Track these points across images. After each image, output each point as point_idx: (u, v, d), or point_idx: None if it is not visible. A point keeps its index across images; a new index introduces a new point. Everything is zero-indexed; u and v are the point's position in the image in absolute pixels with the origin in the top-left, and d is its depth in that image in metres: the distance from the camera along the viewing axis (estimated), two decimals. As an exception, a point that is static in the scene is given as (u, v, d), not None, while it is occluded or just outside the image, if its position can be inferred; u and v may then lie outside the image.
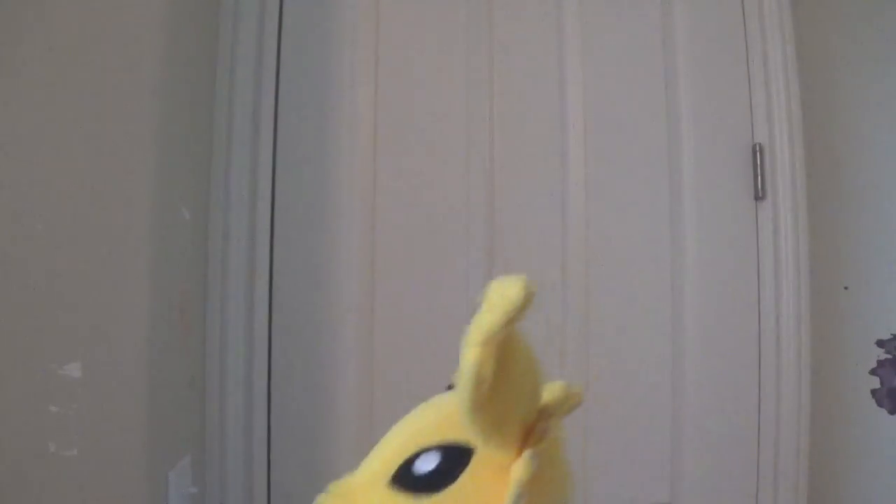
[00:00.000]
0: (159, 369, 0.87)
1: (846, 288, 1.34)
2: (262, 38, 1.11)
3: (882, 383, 1.31)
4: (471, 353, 0.32)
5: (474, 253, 1.17)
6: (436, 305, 1.15)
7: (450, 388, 0.37)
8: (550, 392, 0.39)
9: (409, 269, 1.14)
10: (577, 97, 1.24)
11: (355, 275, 1.10)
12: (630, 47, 1.28)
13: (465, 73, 1.19)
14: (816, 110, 1.34)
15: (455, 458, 0.34)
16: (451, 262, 1.16)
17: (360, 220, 1.11)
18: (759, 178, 1.27)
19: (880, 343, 1.30)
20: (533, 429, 0.35)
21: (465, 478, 0.34)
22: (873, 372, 1.32)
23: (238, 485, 1.06)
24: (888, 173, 1.34)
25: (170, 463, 0.91)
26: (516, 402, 0.34)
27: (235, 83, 1.10)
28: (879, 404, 1.28)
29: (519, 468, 0.33)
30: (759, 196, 1.27)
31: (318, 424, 1.08)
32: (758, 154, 1.27)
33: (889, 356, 1.29)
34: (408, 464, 0.36)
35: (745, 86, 1.30)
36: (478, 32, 1.20)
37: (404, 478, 0.36)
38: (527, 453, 0.34)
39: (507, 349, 0.32)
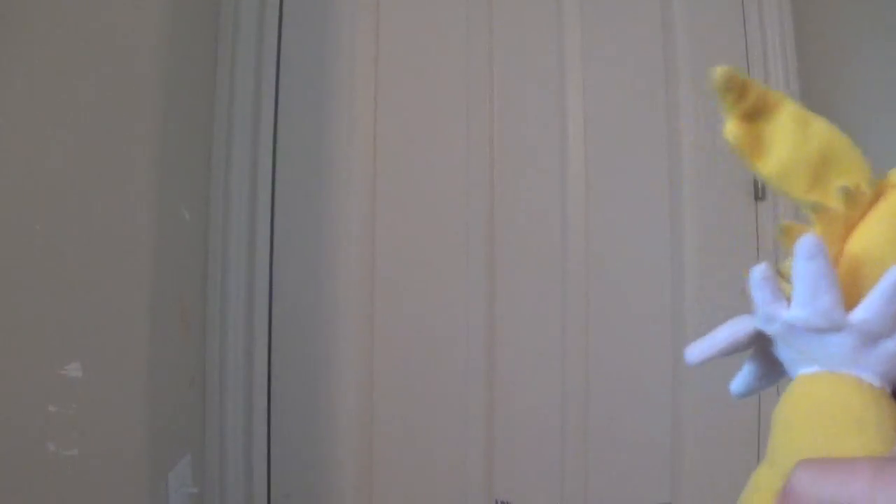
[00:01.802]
0: (159, 369, 0.87)
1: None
2: (261, 38, 1.11)
3: (882, 383, 1.30)
4: None
5: (474, 252, 1.17)
6: (436, 304, 1.15)
7: None
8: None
9: (409, 269, 1.14)
10: (577, 97, 1.23)
11: (355, 275, 1.10)
12: (630, 47, 1.28)
13: (465, 73, 1.19)
14: (816, 110, 1.34)
15: None
16: (451, 262, 1.16)
17: (360, 220, 1.11)
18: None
19: (880, 343, 1.30)
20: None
21: None
22: (873, 372, 1.32)
23: (238, 485, 1.06)
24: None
25: (170, 463, 0.91)
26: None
27: (235, 83, 1.10)
28: (879, 404, 1.28)
29: None
30: (759, 196, 1.27)
31: (318, 425, 1.08)
32: (758, 154, 1.27)
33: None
34: None
35: (745, 86, 1.30)
36: (478, 32, 1.20)
37: None
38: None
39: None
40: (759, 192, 1.27)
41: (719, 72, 0.35)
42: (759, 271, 0.34)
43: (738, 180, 1.27)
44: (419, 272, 1.15)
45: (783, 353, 0.34)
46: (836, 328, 0.32)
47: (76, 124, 0.68)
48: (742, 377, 0.38)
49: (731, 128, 0.36)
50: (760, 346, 0.36)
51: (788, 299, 0.34)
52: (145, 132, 0.84)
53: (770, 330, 0.34)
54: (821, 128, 0.37)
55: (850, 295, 0.32)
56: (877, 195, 0.36)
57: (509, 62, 1.22)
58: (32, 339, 0.61)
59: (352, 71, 1.12)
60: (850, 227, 0.35)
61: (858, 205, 0.35)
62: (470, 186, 1.17)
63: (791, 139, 0.36)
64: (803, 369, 0.34)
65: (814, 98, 1.35)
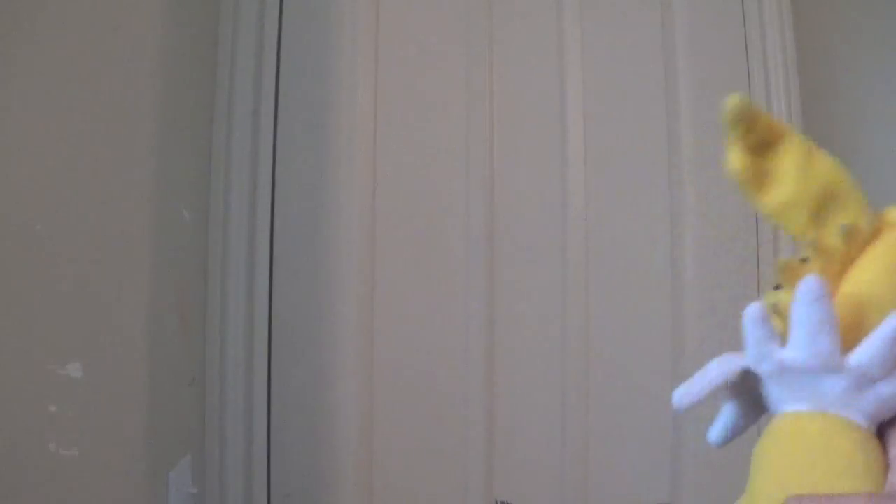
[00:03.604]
0: (159, 369, 0.87)
1: (846, 288, 1.33)
2: (261, 38, 1.11)
3: (882, 383, 1.30)
4: None
5: (474, 252, 1.17)
6: (436, 305, 1.15)
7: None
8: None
9: (409, 269, 1.14)
10: (577, 97, 1.23)
11: (355, 274, 1.10)
12: (630, 47, 1.27)
13: (465, 73, 1.19)
14: (816, 110, 1.34)
15: None
16: (451, 261, 1.16)
17: (360, 220, 1.11)
18: (759, 178, 1.26)
19: (880, 343, 1.30)
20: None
21: None
22: (873, 372, 1.31)
23: (238, 485, 1.06)
24: (888, 173, 1.33)
25: (170, 463, 0.92)
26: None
27: (235, 83, 1.10)
28: (879, 404, 1.28)
29: None
30: (759, 196, 1.27)
31: (318, 425, 1.08)
32: (758, 154, 1.27)
33: (889, 356, 1.29)
34: None
35: (745, 86, 1.30)
36: (478, 32, 1.20)
37: None
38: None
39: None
40: (759, 192, 1.27)
41: (732, 103, 0.34)
42: (753, 311, 0.34)
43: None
44: (419, 272, 1.15)
45: (771, 391, 0.34)
46: (833, 371, 0.31)
47: (76, 124, 0.68)
48: (722, 422, 0.37)
49: (736, 161, 0.35)
50: (743, 386, 0.36)
51: (782, 336, 0.33)
52: (145, 132, 0.84)
53: (762, 369, 0.34)
54: (824, 164, 0.36)
55: (847, 335, 0.32)
56: (874, 233, 0.36)
57: (509, 62, 1.22)
58: (32, 339, 0.61)
59: (352, 71, 1.12)
60: (847, 264, 0.35)
61: (857, 243, 0.35)
62: (470, 187, 1.17)
63: (794, 176, 0.36)
64: (790, 407, 0.33)
65: (814, 98, 1.35)
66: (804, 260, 0.35)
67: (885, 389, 0.31)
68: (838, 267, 0.34)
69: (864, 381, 0.31)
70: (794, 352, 0.32)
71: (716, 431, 0.38)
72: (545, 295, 1.20)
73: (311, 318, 1.09)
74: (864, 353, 0.31)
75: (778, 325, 0.34)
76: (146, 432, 0.83)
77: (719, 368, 0.36)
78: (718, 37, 1.30)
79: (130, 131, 0.80)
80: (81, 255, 0.69)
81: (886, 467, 0.30)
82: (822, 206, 0.35)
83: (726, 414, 0.37)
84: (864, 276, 0.34)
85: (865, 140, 1.35)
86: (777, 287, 0.37)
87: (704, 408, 0.38)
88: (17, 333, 0.59)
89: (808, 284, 0.31)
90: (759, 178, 0.36)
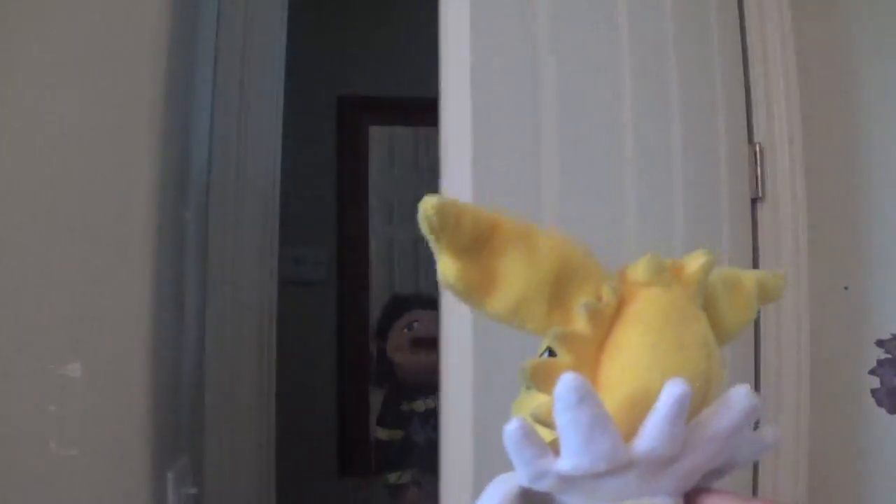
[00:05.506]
0: (159, 369, 0.87)
1: (846, 288, 1.34)
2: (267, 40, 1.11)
3: (882, 383, 1.31)
4: None
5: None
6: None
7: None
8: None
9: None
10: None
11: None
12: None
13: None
14: (816, 110, 1.34)
15: None
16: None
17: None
18: (759, 178, 1.27)
19: (880, 343, 1.30)
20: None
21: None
22: (873, 372, 1.32)
23: (238, 485, 1.06)
24: (888, 173, 1.33)
25: (169, 463, 0.92)
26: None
27: (244, 83, 1.10)
28: (879, 404, 1.28)
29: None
30: (758, 196, 1.27)
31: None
32: (757, 154, 1.27)
33: (889, 356, 1.29)
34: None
35: (744, 85, 1.30)
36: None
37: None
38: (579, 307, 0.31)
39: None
40: (758, 191, 1.27)
41: (430, 206, 0.29)
42: (512, 432, 0.29)
43: (738, 180, 1.27)
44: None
45: (565, 501, 0.31)
46: (622, 466, 0.29)
47: (77, 124, 0.68)
48: None
49: (449, 271, 0.31)
50: (534, 496, 0.32)
51: (553, 446, 0.29)
52: (146, 133, 0.84)
53: (542, 487, 0.30)
54: (547, 244, 0.33)
55: (624, 424, 0.29)
56: (620, 299, 0.33)
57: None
58: (32, 339, 0.61)
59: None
60: (599, 344, 0.32)
61: (604, 318, 0.32)
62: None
63: (521, 267, 0.32)
64: None
65: (814, 98, 1.35)
66: (551, 354, 0.31)
67: (682, 466, 0.30)
68: (592, 351, 0.32)
69: (659, 465, 0.29)
70: (572, 460, 0.29)
71: None
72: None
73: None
74: (648, 438, 0.29)
75: (545, 433, 0.30)
76: (146, 432, 0.83)
77: (493, 497, 0.31)
78: (717, 36, 1.30)
79: (131, 132, 0.80)
80: (82, 256, 0.69)
81: None
82: (558, 291, 0.32)
83: None
84: (622, 352, 0.32)
85: (865, 140, 1.35)
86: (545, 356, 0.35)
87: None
88: (18, 333, 0.59)
89: (567, 385, 0.28)
90: (483, 281, 0.32)
